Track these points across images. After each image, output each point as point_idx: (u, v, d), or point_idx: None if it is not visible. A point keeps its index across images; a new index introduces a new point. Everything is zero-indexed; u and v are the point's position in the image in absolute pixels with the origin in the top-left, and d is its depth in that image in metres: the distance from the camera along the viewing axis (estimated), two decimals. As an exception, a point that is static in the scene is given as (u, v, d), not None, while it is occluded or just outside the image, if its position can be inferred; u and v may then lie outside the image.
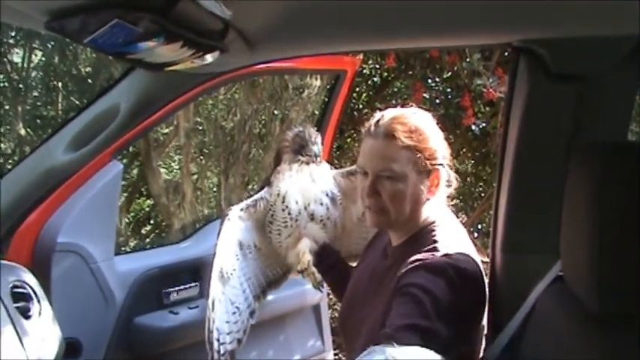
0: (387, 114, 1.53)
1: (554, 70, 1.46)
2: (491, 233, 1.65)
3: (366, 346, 1.52)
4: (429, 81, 4.20)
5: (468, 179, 4.41)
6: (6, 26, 3.94)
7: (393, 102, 4.22)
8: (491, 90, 3.54)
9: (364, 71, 4.31)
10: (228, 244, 1.84)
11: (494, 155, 3.63)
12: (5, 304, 1.67)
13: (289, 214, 1.85)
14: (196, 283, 2.37)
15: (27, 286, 1.78)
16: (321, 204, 1.87)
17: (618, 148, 1.07)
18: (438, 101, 4.11)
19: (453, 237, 1.50)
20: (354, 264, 1.91)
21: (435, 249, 1.44)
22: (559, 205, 1.13)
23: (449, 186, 1.57)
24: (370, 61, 4.33)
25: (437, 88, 4.19)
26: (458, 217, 4.77)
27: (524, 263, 1.54)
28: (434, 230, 1.50)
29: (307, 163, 1.87)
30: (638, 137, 3.79)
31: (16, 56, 4.66)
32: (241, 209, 1.88)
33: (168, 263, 2.31)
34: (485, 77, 3.57)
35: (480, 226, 4.50)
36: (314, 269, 1.78)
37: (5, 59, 4.51)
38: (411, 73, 4.17)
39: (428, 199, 1.51)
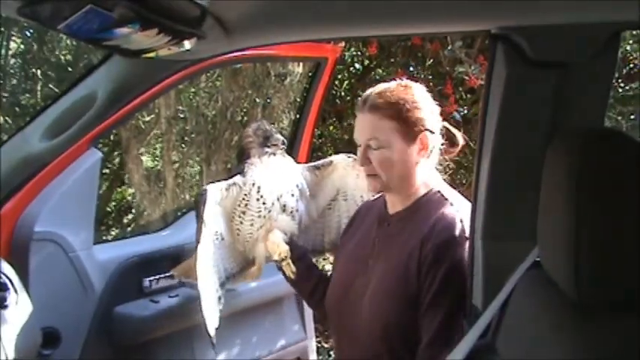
0: (374, 89, 1.67)
1: (532, 57, 1.46)
2: (470, 220, 1.66)
3: (371, 305, 1.65)
4: (411, 69, 4.20)
5: (450, 167, 4.42)
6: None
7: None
8: (473, 77, 3.54)
9: (346, 59, 4.29)
10: (209, 225, 1.86)
11: (476, 143, 3.65)
12: (-18, 293, 1.66)
13: (264, 204, 1.87)
14: (176, 272, 2.36)
15: (3, 276, 1.76)
16: (292, 195, 1.92)
17: (595, 136, 1.08)
18: (420, 89, 4.11)
19: (459, 199, 1.70)
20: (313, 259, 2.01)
21: (452, 205, 1.64)
22: (537, 192, 1.14)
23: (452, 145, 1.76)
24: (352, 49, 4.32)
25: (419, 75, 4.19)
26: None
27: (503, 250, 1.54)
28: (442, 194, 1.67)
29: (274, 154, 1.91)
30: (614, 124, 3.82)
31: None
32: (217, 190, 1.89)
33: (148, 252, 2.30)
34: (467, 65, 3.58)
35: (461, 213, 4.53)
36: (289, 260, 1.82)
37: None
38: (392, 60, 4.17)
39: (418, 162, 1.64)
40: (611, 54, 1.49)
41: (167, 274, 2.31)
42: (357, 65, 4.46)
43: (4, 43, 4.57)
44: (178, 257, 2.36)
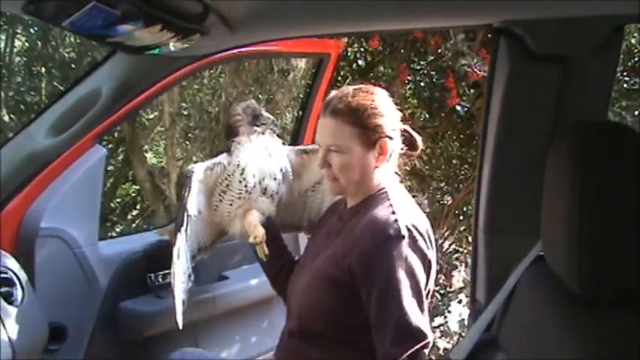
0: (337, 93, 1.67)
1: (535, 51, 1.46)
2: (474, 215, 1.66)
3: (303, 293, 1.68)
4: (414, 63, 4.19)
5: (453, 161, 4.42)
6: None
7: (378, 85, 4.21)
8: (475, 70, 3.53)
9: (349, 55, 4.29)
10: (192, 203, 1.86)
11: (480, 137, 3.65)
12: (-11, 288, 1.67)
13: (245, 186, 1.88)
14: (181, 267, 2.37)
15: (10, 272, 1.77)
16: (274, 179, 1.92)
17: (597, 129, 1.08)
18: (422, 84, 4.11)
19: (404, 198, 1.67)
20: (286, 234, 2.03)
21: (390, 206, 1.59)
22: (540, 185, 1.14)
23: (413, 148, 1.73)
24: (355, 45, 4.32)
25: (421, 70, 4.18)
26: (443, 200, 4.75)
27: (506, 244, 1.55)
28: (387, 193, 1.65)
29: (263, 133, 1.91)
30: (619, 118, 3.81)
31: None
32: (201, 170, 1.89)
33: (152, 247, 2.31)
34: (469, 58, 3.57)
35: (465, 209, 4.52)
36: (264, 244, 1.83)
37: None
38: (395, 56, 4.16)
39: (377, 167, 1.64)
40: (613, 47, 1.49)
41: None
42: (360, 62, 4.45)
43: (9, 41, 4.58)
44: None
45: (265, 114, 1.94)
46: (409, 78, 4.04)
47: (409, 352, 1.48)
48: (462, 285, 4.56)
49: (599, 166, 0.99)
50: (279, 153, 1.96)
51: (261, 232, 1.84)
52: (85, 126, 1.85)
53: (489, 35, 3.42)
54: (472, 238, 1.63)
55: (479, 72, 3.47)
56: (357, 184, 1.65)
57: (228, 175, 1.89)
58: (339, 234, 1.68)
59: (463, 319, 4.33)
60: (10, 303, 1.72)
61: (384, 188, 1.66)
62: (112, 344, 2.19)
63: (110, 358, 2.20)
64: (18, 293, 1.76)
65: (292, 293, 1.74)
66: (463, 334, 4.19)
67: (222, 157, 1.91)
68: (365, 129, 1.61)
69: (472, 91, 3.93)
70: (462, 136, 4.19)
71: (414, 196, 1.96)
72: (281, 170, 1.94)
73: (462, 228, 4.61)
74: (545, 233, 1.12)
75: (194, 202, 1.87)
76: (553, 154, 1.10)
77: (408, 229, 1.54)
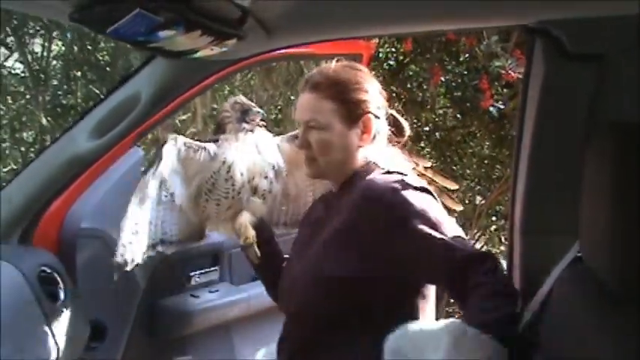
0: (318, 68, 1.62)
1: (571, 50, 1.45)
2: (509, 215, 1.65)
3: (304, 289, 1.56)
4: (446, 64, 4.18)
5: (486, 162, 4.40)
6: (26, 16, 3.98)
7: (409, 85, 4.21)
8: (510, 72, 3.51)
9: (380, 55, 4.29)
10: (163, 173, 1.76)
11: (512, 138, 3.62)
12: (34, 287, 1.72)
13: (233, 185, 1.76)
14: (216, 267, 2.40)
15: (53, 271, 1.82)
16: (266, 177, 1.80)
17: (636, 129, 1.07)
18: (454, 84, 4.09)
19: (391, 166, 1.55)
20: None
21: (385, 172, 1.51)
22: (577, 185, 1.13)
23: (400, 134, 1.66)
24: (386, 45, 4.32)
25: (454, 70, 4.17)
26: (476, 200, 4.73)
27: (542, 245, 1.54)
28: (376, 164, 1.56)
29: (252, 131, 1.81)
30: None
31: (36, 46, 4.71)
32: (185, 144, 1.78)
33: (189, 248, 2.34)
34: (503, 59, 3.55)
35: (497, 209, 4.50)
36: (255, 246, 1.75)
37: (25, 49, 4.55)
38: (428, 56, 4.15)
39: (361, 146, 1.57)
40: None
41: (207, 270, 2.36)
42: (391, 62, 4.45)
43: (46, 45, 4.67)
44: (218, 253, 2.40)
45: (255, 108, 1.83)
46: (441, 78, 4.04)
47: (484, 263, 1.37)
48: (494, 286, 4.52)
49: (636, 166, 0.99)
50: (270, 149, 1.85)
51: (251, 233, 1.75)
52: (126, 129, 1.87)
53: (523, 35, 3.40)
54: (508, 239, 1.62)
55: (514, 73, 3.45)
56: (338, 166, 1.57)
57: (214, 172, 1.77)
58: (324, 223, 1.60)
59: (496, 320, 4.29)
60: (54, 301, 1.77)
61: (371, 162, 1.57)
62: (149, 343, 2.23)
63: (147, 357, 2.25)
64: (61, 291, 1.81)
65: (287, 287, 1.65)
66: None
67: (210, 145, 1.80)
68: (346, 103, 1.54)
69: (505, 90, 3.91)
70: (493, 136, 4.17)
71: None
72: (273, 167, 1.83)
73: (493, 228, 4.59)
74: (583, 233, 1.12)
75: (165, 175, 1.76)
76: (590, 154, 1.10)
77: (417, 181, 1.47)
